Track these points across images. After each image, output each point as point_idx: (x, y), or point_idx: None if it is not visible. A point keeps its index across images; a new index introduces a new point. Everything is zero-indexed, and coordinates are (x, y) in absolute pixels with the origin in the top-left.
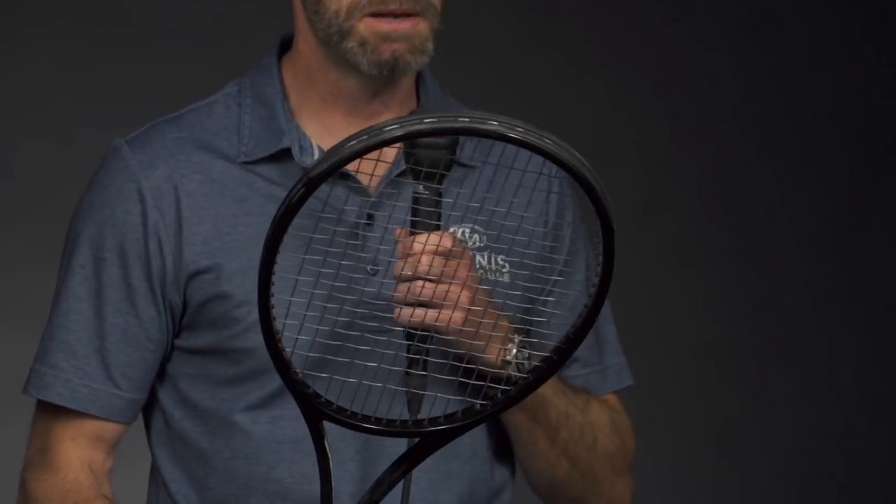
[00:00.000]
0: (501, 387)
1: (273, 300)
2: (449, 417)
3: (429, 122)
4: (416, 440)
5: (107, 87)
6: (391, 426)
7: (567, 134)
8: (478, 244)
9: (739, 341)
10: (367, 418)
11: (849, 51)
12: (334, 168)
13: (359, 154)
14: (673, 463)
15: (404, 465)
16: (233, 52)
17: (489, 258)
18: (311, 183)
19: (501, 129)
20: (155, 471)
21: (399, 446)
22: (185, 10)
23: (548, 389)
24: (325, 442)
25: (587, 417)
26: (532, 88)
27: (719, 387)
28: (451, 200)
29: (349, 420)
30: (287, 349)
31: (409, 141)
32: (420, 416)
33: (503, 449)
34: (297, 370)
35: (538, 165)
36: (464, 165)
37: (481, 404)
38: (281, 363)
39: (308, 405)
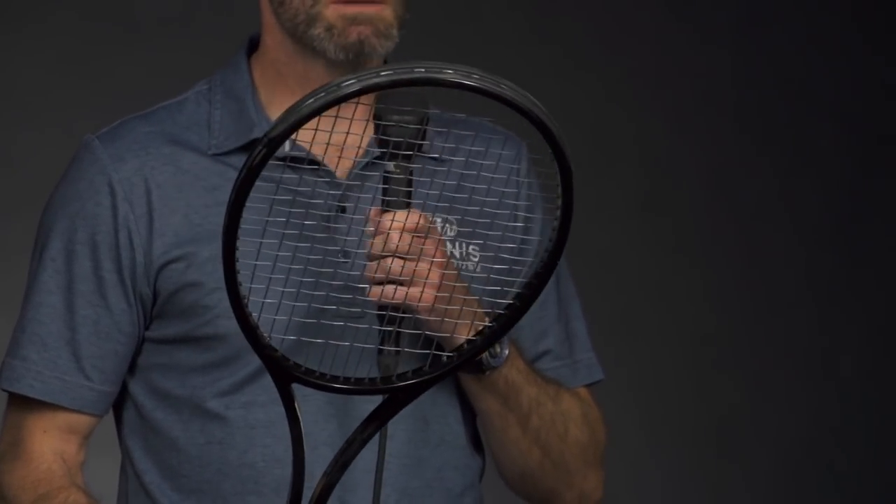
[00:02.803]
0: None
1: (241, 278)
2: (417, 371)
3: (385, 75)
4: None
5: (108, 80)
6: (360, 384)
7: (566, 127)
8: (449, 233)
9: (738, 334)
10: (335, 378)
11: (847, 45)
12: (294, 126)
13: (317, 111)
14: (672, 455)
15: (376, 422)
16: (235, 48)
17: (460, 247)
18: (272, 143)
19: (457, 78)
20: (126, 463)
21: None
22: (188, 4)
23: (519, 376)
24: (296, 405)
25: (559, 406)
26: (530, 81)
27: (718, 379)
28: (424, 191)
29: (318, 381)
30: (255, 317)
31: (379, 121)
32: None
33: (476, 441)
34: (265, 333)
35: (509, 158)
36: (434, 159)
37: (448, 356)
38: (248, 327)
39: (277, 368)
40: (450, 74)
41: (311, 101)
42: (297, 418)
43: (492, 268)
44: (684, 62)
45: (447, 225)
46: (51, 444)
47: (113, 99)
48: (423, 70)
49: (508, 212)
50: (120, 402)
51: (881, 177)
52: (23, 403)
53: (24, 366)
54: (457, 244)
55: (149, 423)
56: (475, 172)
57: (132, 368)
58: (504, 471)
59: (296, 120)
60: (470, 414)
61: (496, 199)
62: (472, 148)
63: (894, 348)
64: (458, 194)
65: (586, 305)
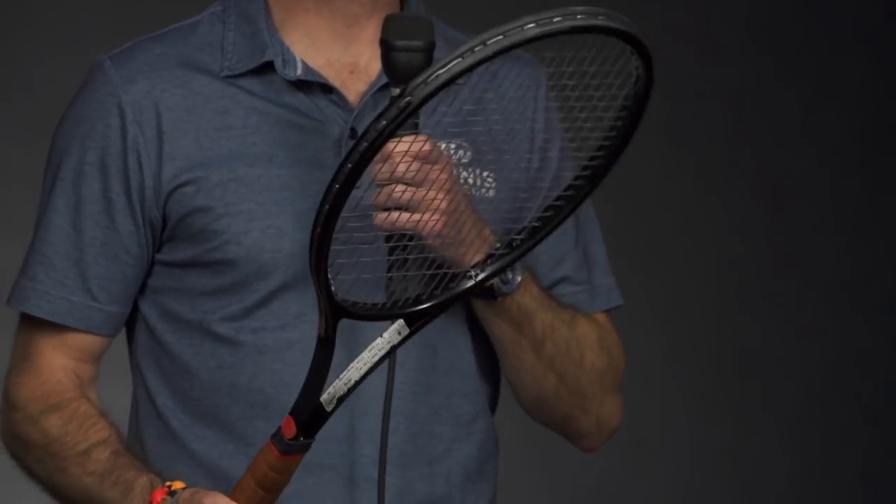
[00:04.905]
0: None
1: (259, 210)
2: (430, 296)
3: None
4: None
5: (130, 5)
6: (373, 309)
7: None
8: (463, 160)
9: (761, 262)
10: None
11: None
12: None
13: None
14: (697, 387)
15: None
16: None
17: (474, 174)
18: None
19: (606, 22)
20: (139, 385)
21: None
22: None
23: (532, 302)
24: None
25: (574, 332)
26: (553, 5)
27: (742, 307)
28: (438, 118)
29: (362, 311)
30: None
31: (385, 47)
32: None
33: (489, 368)
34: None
35: (524, 78)
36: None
37: (461, 281)
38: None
39: (331, 304)
40: (600, 20)
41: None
42: (325, 354)
43: (507, 194)
44: None
45: (461, 151)
46: (61, 360)
47: (133, 22)
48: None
49: (524, 137)
50: (133, 325)
51: None
52: (33, 322)
53: (32, 286)
54: (471, 170)
55: (161, 347)
56: (491, 96)
57: (144, 290)
58: (520, 397)
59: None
60: (482, 341)
61: (512, 125)
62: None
63: None
64: (473, 118)
65: (609, 235)
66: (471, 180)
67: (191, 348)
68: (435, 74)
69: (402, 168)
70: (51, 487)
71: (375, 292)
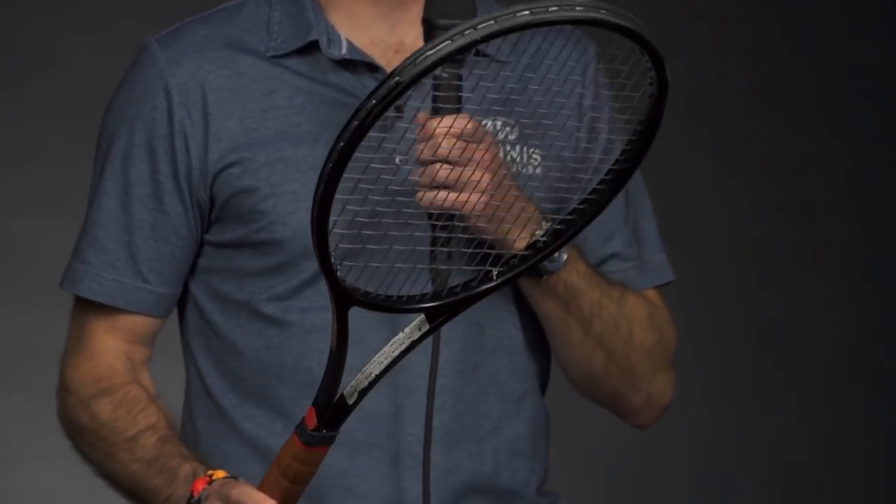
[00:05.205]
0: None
1: (304, 191)
2: (466, 286)
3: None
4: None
5: None
6: (412, 301)
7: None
8: (509, 137)
9: (779, 240)
10: (389, 298)
11: None
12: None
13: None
14: (716, 365)
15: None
16: None
17: (521, 151)
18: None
19: (608, 17)
20: (190, 365)
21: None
22: None
23: (580, 280)
24: (348, 331)
25: (622, 310)
26: None
27: (760, 285)
28: (481, 93)
29: (376, 302)
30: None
31: (428, 25)
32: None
33: (537, 346)
34: (336, 263)
35: (573, 53)
36: (496, 60)
37: (499, 270)
38: (324, 252)
39: (339, 293)
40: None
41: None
42: (346, 344)
43: (555, 172)
44: None
45: (507, 128)
46: (113, 343)
47: (160, 3)
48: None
49: (572, 114)
50: (184, 306)
51: None
52: (86, 304)
53: (83, 268)
54: (517, 147)
55: (210, 327)
56: (537, 73)
57: (194, 271)
58: (569, 374)
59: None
60: (530, 319)
61: (560, 101)
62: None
63: None
64: (519, 96)
65: None
66: (517, 158)
67: (239, 328)
68: (424, 55)
69: (445, 146)
70: (102, 472)
71: (415, 275)
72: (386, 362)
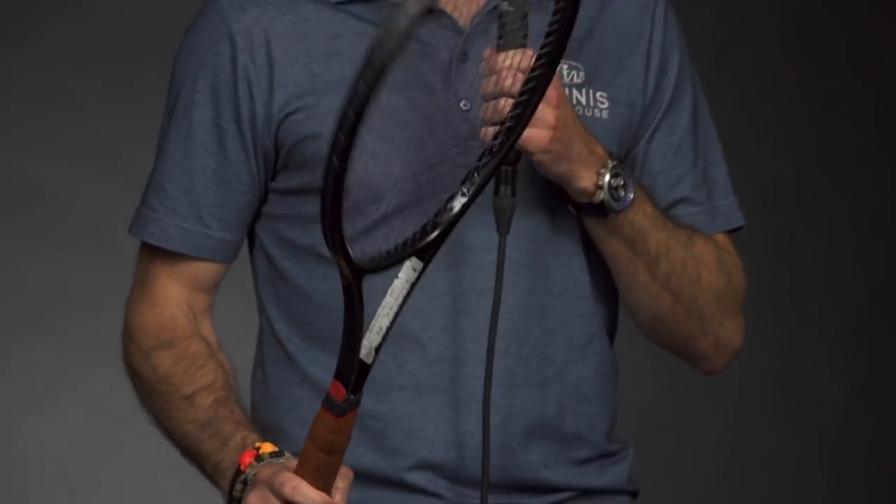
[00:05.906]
0: None
1: (368, 136)
2: (434, 225)
3: None
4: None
5: None
6: (388, 258)
7: None
8: (576, 80)
9: (807, 187)
10: (399, 247)
11: None
12: None
13: None
14: (746, 311)
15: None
16: None
17: (587, 94)
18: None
19: None
20: (261, 311)
21: (486, 280)
22: None
23: (646, 221)
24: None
25: (690, 252)
26: None
27: (789, 234)
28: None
29: (387, 261)
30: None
31: None
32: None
33: (605, 290)
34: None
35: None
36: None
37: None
38: (335, 224)
39: (349, 266)
40: None
41: None
42: (355, 313)
43: (623, 114)
44: None
45: (574, 72)
46: (176, 290)
47: None
48: None
49: (641, 56)
50: (252, 251)
51: None
52: (151, 249)
53: (148, 213)
54: (583, 91)
55: (278, 273)
56: (605, 16)
57: (261, 218)
58: (636, 317)
59: None
60: (597, 264)
61: (627, 44)
62: None
63: None
64: (586, 39)
65: None
66: (584, 101)
67: (305, 273)
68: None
69: (510, 80)
70: (157, 424)
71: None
72: (392, 313)
